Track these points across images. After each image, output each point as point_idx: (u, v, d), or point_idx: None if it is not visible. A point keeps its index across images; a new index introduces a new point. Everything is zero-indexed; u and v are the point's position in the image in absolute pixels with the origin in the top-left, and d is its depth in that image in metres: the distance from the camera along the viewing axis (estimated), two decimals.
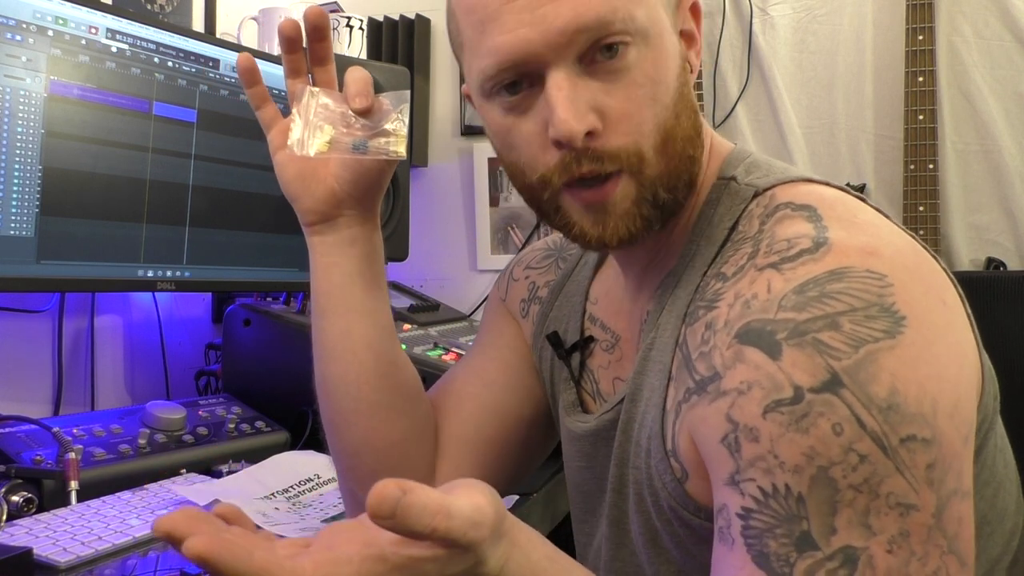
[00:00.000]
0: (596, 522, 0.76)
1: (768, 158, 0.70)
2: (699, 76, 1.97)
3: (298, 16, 1.72)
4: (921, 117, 1.80)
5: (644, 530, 0.67)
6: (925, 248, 0.61)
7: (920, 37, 1.80)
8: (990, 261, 1.84)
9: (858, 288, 0.53)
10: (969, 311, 0.60)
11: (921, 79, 1.80)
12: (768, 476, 0.51)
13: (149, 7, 1.55)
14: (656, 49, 0.62)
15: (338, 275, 0.77)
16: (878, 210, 0.63)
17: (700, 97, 1.96)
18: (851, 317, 0.52)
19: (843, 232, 0.57)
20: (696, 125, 0.66)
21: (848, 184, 1.94)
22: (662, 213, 0.64)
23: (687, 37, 0.67)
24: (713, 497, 0.56)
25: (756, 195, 0.64)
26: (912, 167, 1.81)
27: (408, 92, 0.71)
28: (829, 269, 0.54)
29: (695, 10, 0.68)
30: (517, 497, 1.00)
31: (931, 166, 1.80)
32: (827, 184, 0.65)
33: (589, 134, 0.61)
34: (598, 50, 0.60)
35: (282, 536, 0.83)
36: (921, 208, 1.80)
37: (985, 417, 0.59)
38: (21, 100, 1.03)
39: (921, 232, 1.79)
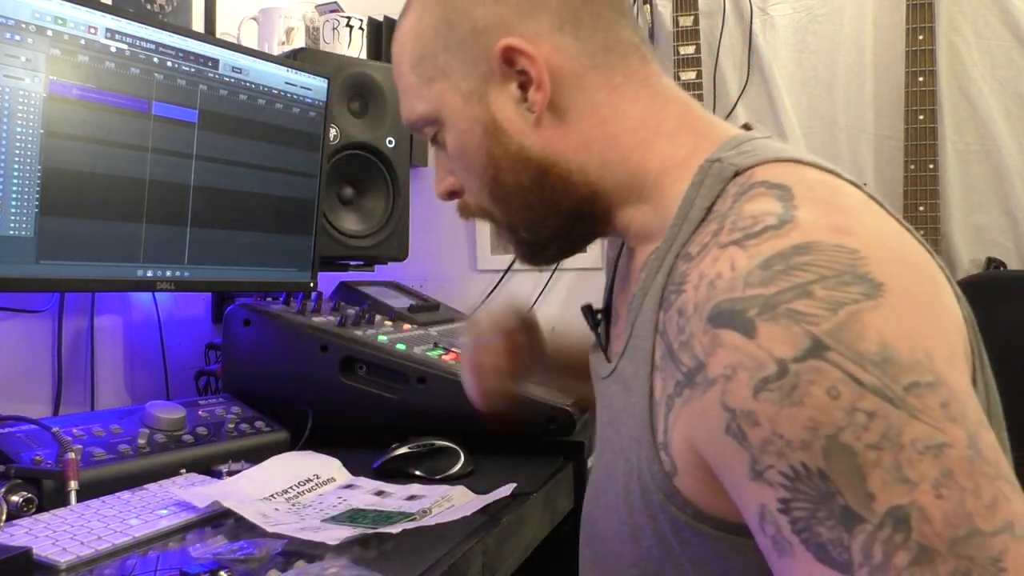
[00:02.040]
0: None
1: (775, 143, 0.67)
2: (699, 76, 1.97)
3: (297, 16, 1.72)
4: (921, 117, 1.80)
5: (628, 520, 0.66)
6: (920, 241, 0.59)
7: (920, 37, 1.80)
8: (990, 261, 1.84)
9: (827, 259, 0.51)
10: (968, 314, 0.59)
11: (921, 79, 1.80)
12: (783, 459, 0.49)
13: (149, 7, 1.55)
14: (452, 129, 0.73)
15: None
16: (878, 202, 0.61)
17: (700, 97, 1.96)
18: (823, 284, 0.50)
19: (814, 211, 0.55)
20: (531, 168, 0.71)
21: None
22: (540, 243, 0.75)
23: (525, 75, 0.69)
24: (742, 504, 0.54)
25: (737, 175, 0.62)
26: (912, 167, 1.81)
27: None
28: (794, 243, 0.52)
29: (514, 51, 0.68)
30: (515, 485, 1.00)
31: (931, 166, 1.80)
32: (818, 166, 0.62)
33: (453, 193, 0.77)
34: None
35: (283, 536, 0.83)
36: (921, 208, 1.80)
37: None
38: (20, 100, 1.03)
39: (921, 232, 1.78)
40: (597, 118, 0.70)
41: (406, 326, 1.50)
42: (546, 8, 0.69)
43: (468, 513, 0.91)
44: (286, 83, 1.39)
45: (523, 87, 0.70)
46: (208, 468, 1.08)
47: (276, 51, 1.68)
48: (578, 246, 0.78)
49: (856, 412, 0.47)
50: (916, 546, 0.45)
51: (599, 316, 0.83)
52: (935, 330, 0.52)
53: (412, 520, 0.88)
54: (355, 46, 1.74)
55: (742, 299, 0.52)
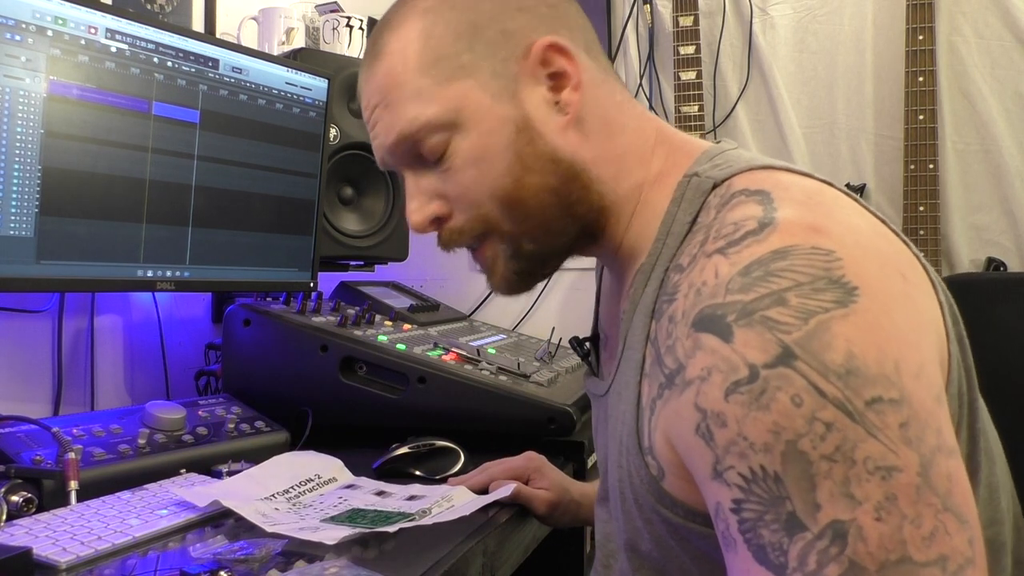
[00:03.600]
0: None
1: (744, 152, 0.70)
2: (699, 76, 1.97)
3: (297, 16, 1.72)
4: (921, 117, 1.80)
5: (626, 528, 0.68)
6: (896, 233, 0.61)
7: (920, 37, 1.80)
8: (990, 261, 1.84)
9: (803, 264, 0.53)
10: (946, 301, 0.60)
11: (921, 79, 1.80)
12: (744, 460, 0.50)
13: (149, 7, 1.55)
14: (472, 132, 0.69)
15: None
16: (852, 197, 0.62)
17: (700, 97, 1.96)
18: (797, 292, 0.51)
19: (792, 211, 0.57)
20: (560, 170, 0.69)
21: (848, 184, 1.94)
22: (541, 258, 0.73)
23: (556, 78, 0.69)
24: (705, 499, 0.55)
25: (715, 186, 0.64)
26: (912, 167, 1.81)
27: None
28: (773, 249, 0.54)
29: (555, 49, 0.69)
30: (515, 484, 1.00)
31: (931, 166, 1.80)
32: (790, 170, 0.64)
33: (438, 219, 0.73)
34: (419, 154, 0.71)
35: (282, 536, 0.83)
36: (921, 208, 1.80)
37: (952, 416, 0.56)
38: (20, 100, 1.03)
39: (921, 232, 1.79)
40: (606, 133, 0.71)
41: (406, 326, 1.50)
42: (566, 27, 0.71)
43: (468, 513, 0.91)
44: (286, 83, 1.39)
45: (553, 90, 0.69)
46: (208, 468, 1.08)
47: (276, 51, 1.67)
48: (561, 262, 0.78)
49: (815, 422, 0.49)
50: (848, 561, 0.47)
51: (587, 345, 0.86)
52: (907, 335, 0.53)
53: (411, 520, 0.88)
54: (355, 46, 1.74)
55: (723, 304, 0.53)
